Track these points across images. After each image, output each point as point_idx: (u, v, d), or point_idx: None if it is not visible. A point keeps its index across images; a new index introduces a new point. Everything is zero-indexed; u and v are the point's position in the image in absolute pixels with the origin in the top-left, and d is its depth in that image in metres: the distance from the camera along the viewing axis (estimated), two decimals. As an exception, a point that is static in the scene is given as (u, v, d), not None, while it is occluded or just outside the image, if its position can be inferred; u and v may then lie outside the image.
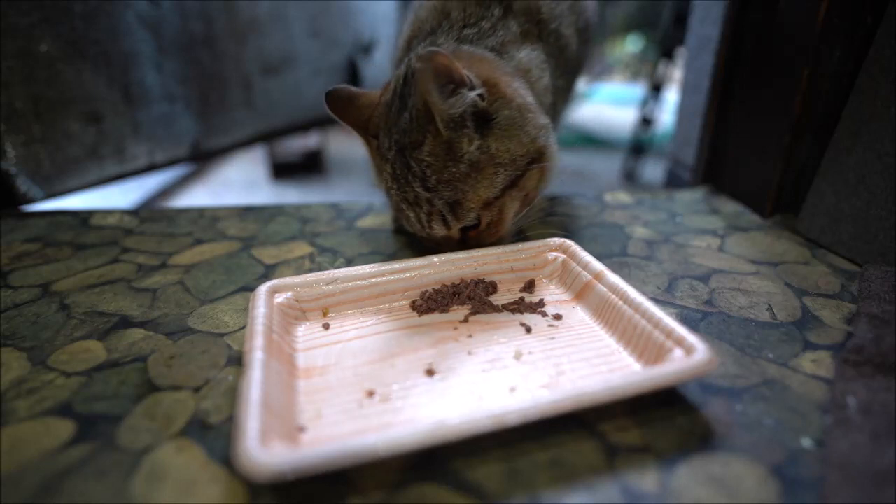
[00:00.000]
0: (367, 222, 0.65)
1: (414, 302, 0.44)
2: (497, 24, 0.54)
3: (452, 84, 0.42)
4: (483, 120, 0.45)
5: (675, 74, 2.07)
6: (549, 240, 0.49)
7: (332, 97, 0.48)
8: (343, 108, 0.49)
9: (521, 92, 0.48)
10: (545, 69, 0.56)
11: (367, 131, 0.49)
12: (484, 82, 0.45)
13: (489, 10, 0.54)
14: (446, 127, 0.43)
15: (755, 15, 0.68)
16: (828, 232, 0.56)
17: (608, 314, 0.40)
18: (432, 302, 0.44)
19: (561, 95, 0.63)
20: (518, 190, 0.47)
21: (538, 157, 0.47)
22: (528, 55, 0.54)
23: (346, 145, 2.48)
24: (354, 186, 1.96)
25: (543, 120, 0.48)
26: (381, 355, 0.38)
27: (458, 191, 0.44)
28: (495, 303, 0.44)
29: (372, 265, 0.45)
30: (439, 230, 0.46)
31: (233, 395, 0.35)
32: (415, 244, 0.58)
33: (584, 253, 0.46)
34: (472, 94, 0.43)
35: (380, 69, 1.41)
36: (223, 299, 0.48)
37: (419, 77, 0.41)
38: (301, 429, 0.31)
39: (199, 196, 1.87)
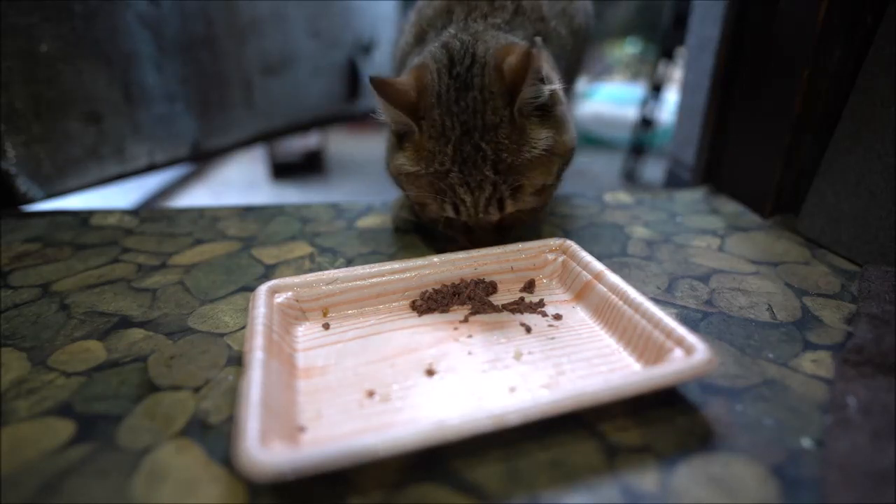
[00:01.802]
0: (367, 222, 0.65)
1: (414, 302, 0.44)
2: (514, 21, 0.54)
3: (538, 76, 0.44)
4: (544, 112, 0.47)
5: (675, 74, 2.07)
6: (549, 240, 0.49)
7: (377, 82, 0.45)
8: (390, 91, 0.46)
9: (561, 90, 0.51)
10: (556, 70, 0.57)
11: (415, 113, 0.46)
12: (548, 77, 0.46)
13: (503, 7, 0.54)
14: (521, 114, 0.45)
15: (755, 15, 0.68)
16: (828, 232, 0.56)
17: (608, 314, 0.40)
18: (432, 302, 0.44)
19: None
20: (558, 179, 0.50)
21: (573, 154, 0.51)
22: (548, 56, 0.55)
23: (346, 145, 2.48)
24: (354, 186, 1.96)
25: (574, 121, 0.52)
26: (381, 355, 0.38)
27: (523, 175, 0.46)
28: (495, 303, 0.44)
29: (372, 265, 0.45)
30: (494, 215, 0.47)
31: (233, 395, 0.35)
32: (415, 244, 0.58)
33: (584, 253, 0.46)
34: (547, 88, 0.45)
35: (380, 69, 1.41)
36: (223, 299, 0.48)
37: (527, 64, 0.43)
38: (301, 429, 0.31)
39: (199, 196, 1.87)
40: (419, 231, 0.61)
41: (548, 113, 0.47)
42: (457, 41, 0.48)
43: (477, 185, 0.45)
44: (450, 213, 0.47)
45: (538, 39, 0.44)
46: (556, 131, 0.47)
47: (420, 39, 0.57)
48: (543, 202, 0.50)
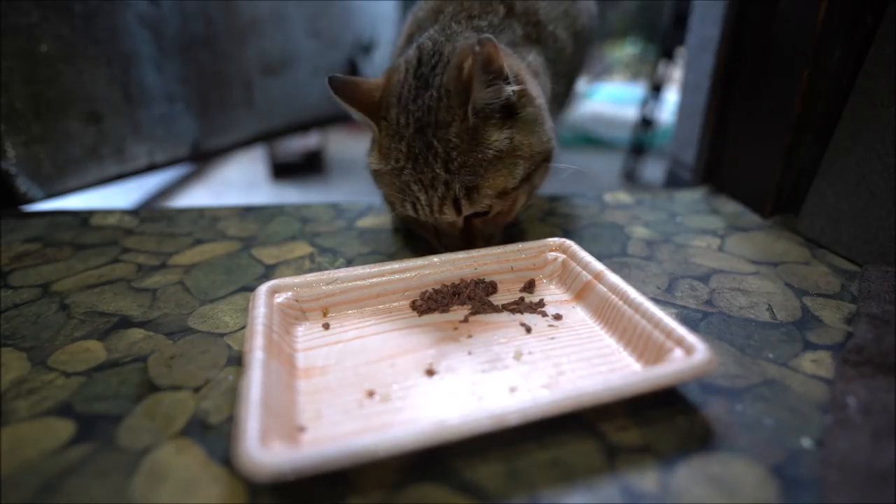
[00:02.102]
0: (367, 222, 0.65)
1: (414, 302, 0.44)
2: (503, 24, 0.54)
3: (493, 75, 0.42)
4: (509, 113, 0.46)
5: (675, 74, 2.07)
6: (549, 240, 0.49)
7: (337, 83, 0.47)
8: (349, 91, 0.47)
9: (538, 92, 0.50)
10: (548, 73, 0.57)
11: (376, 113, 0.48)
12: (515, 78, 0.45)
13: (493, 10, 0.54)
14: (475, 114, 0.44)
15: (755, 15, 0.68)
16: (828, 232, 0.56)
17: (608, 314, 0.40)
18: (432, 302, 0.44)
19: (556, 101, 0.63)
20: (529, 184, 0.48)
21: (548, 157, 0.49)
22: (536, 58, 0.55)
23: (346, 145, 2.48)
24: (354, 186, 1.96)
25: (551, 123, 0.50)
26: (381, 355, 0.38)
27: (478, 176, 0.44)
28: (495, 303, 0.44)
29: (372, 265, 0.45)
30: (450, 215, 0.46)
31: (233, 395, 0.35)
32: (414, 244, 0.58)
33: (584, 253, 0.46)
34: (509, 89, 0.44)
35: (380, 69, 1.41)
36: (223, 299, 0.48)
37: (473, 61, 0.41)
38: (301, 429, 0.31)
39: (199, 196, 1.87)
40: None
41: (514, 114, 0.46)
42: (429, 42, 0.48)
43: (429, 182, 0.44)
44: (409, 211, 0.47)
45: (486, 36, 0.40)
46: (522, 133, 0.46)
47: (409, 41, 0.57)
48: (510, 207, 0.49)
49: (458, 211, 0.46)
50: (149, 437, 0.32)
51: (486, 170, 0.45)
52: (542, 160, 0.48)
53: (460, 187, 0.44)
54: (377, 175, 0.49)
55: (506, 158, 0.45)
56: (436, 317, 0.42)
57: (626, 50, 4.14)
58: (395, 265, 0.45)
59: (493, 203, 0.46)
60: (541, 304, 0.44)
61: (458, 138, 0.44)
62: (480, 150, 0.44)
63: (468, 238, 0.49)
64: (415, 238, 0.60)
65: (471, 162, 0.44)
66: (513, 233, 0.61)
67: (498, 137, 0.45)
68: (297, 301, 0.42)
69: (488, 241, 0.50)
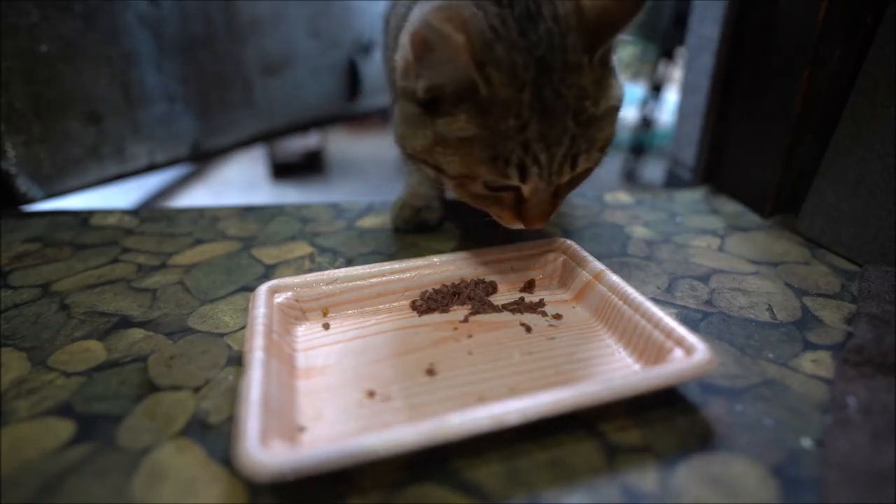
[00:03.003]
0: (367, 222, 0.65)
1: (414, 302, 0.44)
2: None
3: (627, 21, 0.37)
4: (608, 59, 0.41)
5: (675, 74, 2.07)
6: (549, 240, 0.49)
7: (422, 38, 0.36)
8: (441, 42, 0.36)
9: None
10: None
11: (475, 62, 0.36)
12: None
13: None
14: (601, 62, 0.39)
15: (755, 15, 0.68)
16: (828, 232, 0.56)
17: (608, 314, 0.40)
18: (432, 302, 0.44)
19: None
20: None
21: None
22: None
23: (346, 145, 2.48)
24: (354, 186, 1.96)
25: None
26: (381, 355, 0.38)
27: (598, 131, 0.39)
28: (495, 303, 0.44)
29: (372, 265, 0.45)
30: (565, 175, 0.40)
31: (233, 395, 0.35)
32: (415, 244, 0.58)
33: (585, 253, 0.46)
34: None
35: (380, 69, 1.41)
36: (223, 299, 0.48)
37: (632, 7, 0.36)
38: (301, 429, 0.31)
39: (199, 196, 1.87)
40: (419, 231, 0.61)
41: (609, 63, 0.41)
42: None
43: (556, 138, 0.37)
44: (513, 178, 0.39)
45: None
46: (620, 87, 0.42)
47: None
48: (600, 160, 0.44)
49: (574, 168, 0.40)
50: (149, 437, 0.32)
51: (606, 122, 0.40)
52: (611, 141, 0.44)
53: (584, 142, 0.39)
54: (456, 146, 0.39)
55: (612, 114, 0.41)
56: (436, 317, 0.42)
57: (626, 50, 4.14)
58: (395, 265, 0.45)
59: (596, 155, 0.41)
60: (541, 304, 0.44)
61: (591, 85, 0.38)
62: (604, 101, 0.39)
63: (555, 203, 0.43)
64: (415, 238, 0.60)
65: (598, 114, 0.39)
66: (513, 233, 0.61)
67: (615, 86, 0.40)
68: (297, 301, 0.42)
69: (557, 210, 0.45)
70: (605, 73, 0.39)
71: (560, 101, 0.37)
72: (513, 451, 0.30)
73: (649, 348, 0.36)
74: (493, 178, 0.40)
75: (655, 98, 2.14)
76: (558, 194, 0.43)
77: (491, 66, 0.36)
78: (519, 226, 0.44)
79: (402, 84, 0.42)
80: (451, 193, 0.68)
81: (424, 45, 0.36)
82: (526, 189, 0.41)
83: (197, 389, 0.36)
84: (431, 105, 0.40)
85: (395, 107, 0.49)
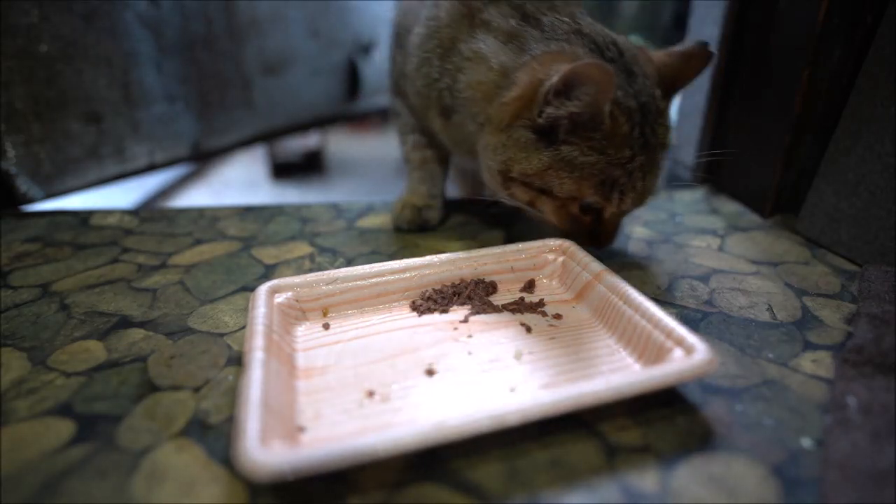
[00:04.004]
0: (367, 222, 0.65)
1: (414, 302, 0.44)
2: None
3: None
4: None
5: (675, 74, 2.06)
6: (549, 240, 0.49)
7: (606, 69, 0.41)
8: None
9: None
10: None
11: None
12: None
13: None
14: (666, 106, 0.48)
15: (755, 15, 0.68)
16: (828, 232, 0.56)
17: (608, 314, 0.40)
18: (432, 302, 0.43)
19: None
20: None
21: None
22: None
23: (346, 145, 2.48)
24: (354, 186, 1.96)
25: None
26: (381, 355, 0.38)
27: (661, 167, 0.48)
28: (495, 303, 0.44)
29: (372, 265, 0.45)
30: (645, 201, 0.49)
31: (233, 395, 0.35)
32: (415, 244, 0.58)
33: (584, 253, 0.46)
34: None
35: (380, 69, 1.41)
36: (223, 299, 0.48)
37: (699, 65, 0.48)
38: (301, 429, 0.31)
39: (199, 196, 1.87)
40: (420, 231, 0.61)
41: None
42: (588, 30, 0.47)
43: (650, 169, 0.46)
44: (613, 201, 0.46)
45: (705, 42, 0.48)
46: None
47: (471, 21, 0.50)
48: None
49: (649, 197, 0.48)
50: (149, 437, 0.32)
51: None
52: None
53: (662, 169, 0.47)
54: (572, 170, 0.44)
55: None
56: (436, 317, 0.42)
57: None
58: (395, 265, 0.45)
59: None
60: (541, 304, 0.44)
61: (670, 124, 0.47)
62: (669, 142, 0.48)
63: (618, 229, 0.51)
64: (415, 238, 0.60)
65: (669, 147, 0.47)
66: (513, 233, 0.61)
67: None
68: (297, 301, 0.42)
69: None
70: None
71: (655, 138, 0.45)
72: (513, 451, 0.30)
73: (649, 348, 0.36)
74: (595, 199, 0.46)
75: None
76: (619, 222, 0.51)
77: (615, 106, 0.43)
78: (588, 245, 0.49)
79: (513, 112, 0.46)
80: (452, 193, 0.68)
81: (573, 81, 0.41)
82: (609, 211, 0.47)
83: (197, 389, 0.36)
84: (547, 133, 0.45)
85: (440, 121, 0.56)
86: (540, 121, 0.44)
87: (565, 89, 0.42)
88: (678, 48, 0.50)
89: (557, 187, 0.46)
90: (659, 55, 0.49)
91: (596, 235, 0.49)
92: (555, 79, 0.42)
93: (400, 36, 0.61)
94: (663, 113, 0.46)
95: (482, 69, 0.48)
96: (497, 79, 0.47)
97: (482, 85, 0.48)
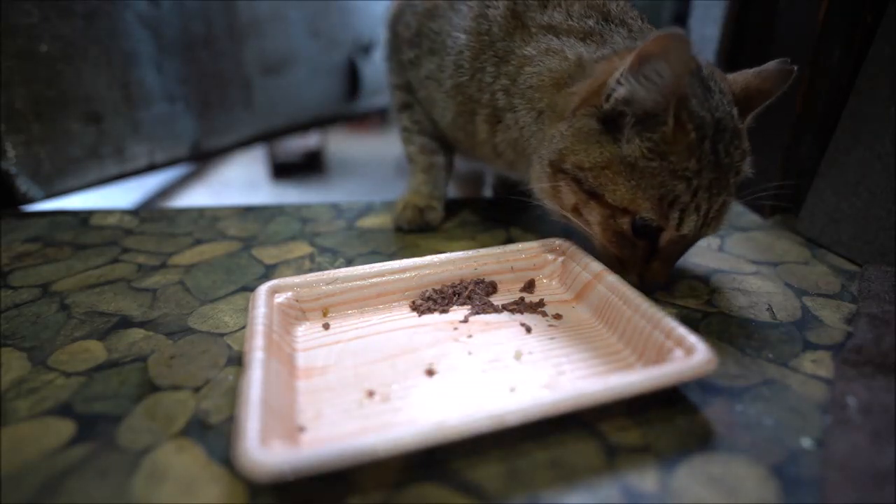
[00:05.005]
0: (367, 222, 0.65)
1: (414, 302, 0.44)
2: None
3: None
4: None
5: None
6: (549, 240, 0.49)
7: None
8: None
9: None
10: None
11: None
12: None
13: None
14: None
15: (755, 15, 0.68)
16: (828, 232, 0.56)
17: (608, 314, 0.40)
18: (432, 302, 0.43)
19: None
20: None
21: None
22: None
23: (346, 145, 2.48)
24: (354, 186, 1.96)
25: None
26: (381, 355, 0.38)
27: (733, 195, 0.43)
28: (495, 303, 0.44)
29: (372, 265, 0.45)
30: (709, 230, 0.43)
31: (233, 395, 0.35)
32: (415, 244, 0.58)
33: (584, 253, 0.46)
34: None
35: (380, 69, 1.41)
36: (223, 299, 0.48)
37: (776, 86, 0.44)
38: (301, 429, 0.31)
39: (199, 196, 1.87)
40: (421, 231, 0.61)
41: None
42: None
43: (718, 192, 0.41)
44: (672, 221, 0.41)
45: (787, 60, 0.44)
46: None
47: (525, 30, 0.49)
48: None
49: (713, 228, 0.43)
50: (149, 437, 0.32)
51: (735, 190, 0.44)
52: None
53: (727, 202, 0.42)
54: (628, 171, 0.41)
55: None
56: (436, 317, 0.42)
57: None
58: (395, 265, 0.45)
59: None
60: (541, 304, 0.44)
61: (747, 149, 0.42)
62: (745, 170, 0.44)
63: (673, 265, 0.45)
64: (415, 238, 0.60)
65: (743, 175, 0.43)
66: (513, 233, 0.61)
67: (748, 167, 0.44)
68: (297, 301, 0.42)
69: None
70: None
71: (728, 158, 0.41)
72: (513, 451, 0.30)
73: (649, 348, 0.36)
74: (651, 216, 0.41)
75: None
76: (677, 256, 0.45)
77: (684, 110, 0.39)
78: (635, 282, 0.43)
79: (582, 99, 0.43)
80: (451, 193, 0.68)
81: (649, 54, 0.38)
82: (665, 237, 0.42)
83: (197, 389, 0.36)
84: (612, 124, 0.42)
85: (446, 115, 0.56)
86: (606, 106, 0.41)
87: (639, 66, 0.38)
88: (755, 70, 0.46)
89: (610, 192, 0.41)
90: (734, 75, 0.46)
91: (648, 267, 0.44)
92: (631, 57, 0.39)
93: (432, 41, 0.57)
94: (741, 135, 0.42)
95: (556, 59, 0.46)
96: (571, 69, 0.45)
97: (553, 73, 0.46)
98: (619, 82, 0.40)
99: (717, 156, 0.40)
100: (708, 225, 0.42)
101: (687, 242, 0.44)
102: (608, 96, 0.41)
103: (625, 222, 0.42)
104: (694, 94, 0.40)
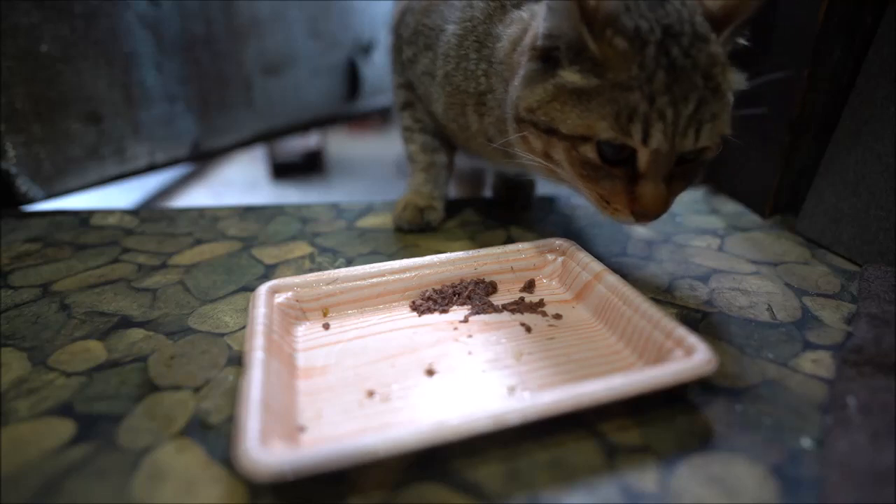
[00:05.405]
0: (367, 222, 0.65)
1: (414, 302, 0.44)
2: None
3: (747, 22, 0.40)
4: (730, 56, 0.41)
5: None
6: (549, 240, 0.49)
7: None
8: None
9: None
10: None
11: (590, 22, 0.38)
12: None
13: None
14: (722, 44, 0.40)
15: (755, 15, 0.68)
16: (828, 232, 0.56)
17: (608, 314, 0.40)
18: (432, 302, 0.44)
19: None
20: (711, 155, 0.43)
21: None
22: None
23: (346, 145, 2.48)
24: (354, 186, 1.96)
25: None
26: (381, 355, 0.38)
27: (721, 109, 0.39)
28: (495, 303, 0.44)
29: (372, 265, 0.45)
30: (688, 142, 0.38)
31: (233, 395, 0.35)
32: (415, 244, 0.58)
33: (584, 253, 0.46)
34: (741, 43, 0.41)
35: (380, 69, 1.41)
36: (223, 299, 0.48)
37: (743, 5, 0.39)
38: (301, 429, 0.31)
39: (199, 196, 1.87)
40: (421, 231, 0.61)
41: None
42: None
43: (683, 94, 0.37)
44: (635, 136, 0.38)
45: None
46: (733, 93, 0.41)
47: (503, 10, 0.50)
48: (713, 157, 0.42)
49: (697, 139, 0.38)
50: (149, 437, 0.32)
51: (724, 104, 0.39)
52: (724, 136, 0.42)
53: (709, 112, 0.38)
54: (573, 99, 0.40)
55: (729, 106, 0.40)
56: (436, 317, 0.42)
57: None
58: (395, 265, 0.45)
59: (713, 145, 0.40)
60: (541, 304, 0.44)
61: (718, 55, 0.39)
62: (727, 82, 0.39)
63: (671, 191, 0.41)
64: (415, 238, 0.60)
65: (723, 87, 0.39)
66: (514, 233, 0.61)
67: (736, 79, 0.41)
68: (297, 301, 0.42)
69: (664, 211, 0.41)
70: (726, 62, 0.40)
71: (689, 59, 0.37)
72: (513, 451, 0.30)
73: (649, 348, 0.36)
74: (612, 135, 0.38)
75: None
76: (672, 187, 0.41)
77: (610, 28, 0.37)
78: (630, 219, 0.41)
79: (529, 46, 0.44)
80: (451, 193, 0.68)
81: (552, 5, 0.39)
82: (644, 157, 0.39)
83: (197, 389, 0.36)
84: (549, 62, 0.41)
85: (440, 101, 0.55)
86: (538, 45, 0.41)
87: (548, 12, 0.39)
88: None
89: (563, 122, 0.40)
90: None
91: (635, 198, 0.40)
92: None
93: (426, 36, 0.58)
94: (706, 39, 0.38)
95: (515, 27, 0.47)
96: (521, 32, 0.46)
97: (512, 40, 0.47)
98: (543, 20, 0.41)
99: (670, 58, 0.37)
100: (685, 134, 0.38)
101: (677, 163, 0.40)
102: (539, 36, 0.41)
103: (587, 149, 0.40)
104: (627, 8, 0.38)
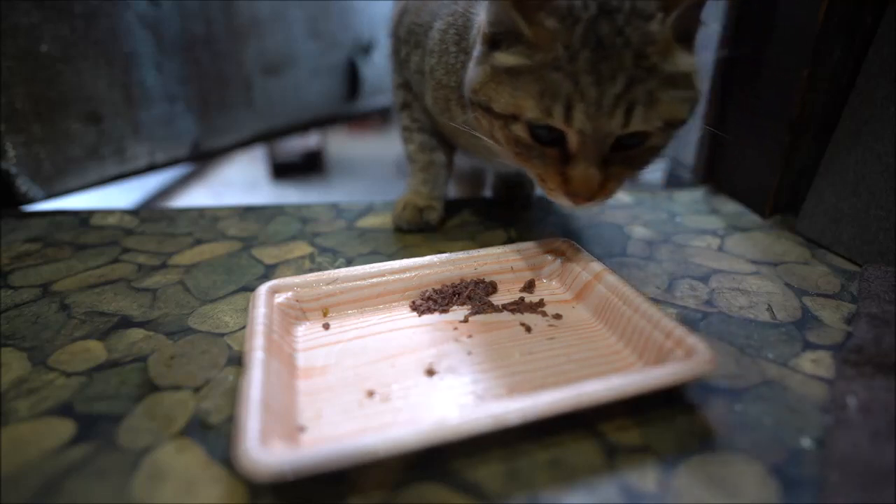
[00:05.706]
0: (367, 222, 0.65)
1: (414, 302, 0.44)
2: None
3: (701, 7, 0.38)
4: (687, 39, 0.39)
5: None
6: (549, 240, 0.49)
7: None
8: None
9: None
10: None
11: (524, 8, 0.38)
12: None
13: None
14: (677, 31, 0.37)
15: (755, 15, 0.68)
16: (828, 232, 0.56)
17: (608, 314, 0.40)
18: (432, 302, 0.44)
19: None
20: (666, 139, 0.41)
21: (682, 124, 0.41)
22: None
23: (346, 145, 2.48)
24: (354, 186, 1.96)
25: None
26: (381, 355, 0.38)
27: (661, 91, 0.37)
28: (495, 303, 0.44)
29: (372, 265, 0.45)
30: (615, 124, 0.37)
31: (233, 395, 0.35)
32: (415, 244, 0.58)
33: (584, 253, 0.46)
34: (700, 24, 0.39)
35: (380, 70, 1.41)
36: (223, 299, 0.48)
37: None
38: (301, 429, 0.31)
39: (199, 196, 1.87)
40: (421, 231, 0.61)
41: (690, 41, 0.40)
42: None
43: (609, 73, 0.35)
44: (557, 117, 0.37)
45: None
46: (695, 76, 0.40)
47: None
48: (652, 152, 0.41)
49: (627, 122, 0.37)
50: (149, 437, 0.32)
51: (669, 88, 0.37)
52: (680, 123, 0.40)
53: (643, 91, 0.36)
54: (508, 76, 0.40)
55: (682, 87, 0.38)
56: (436, 317, 0.42)
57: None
58: (395, 265, 0.45)
59: (656, 131, 0.39)
60: (541, 304, 0.44)
61: (657, 35, 0.36)
62: (671, 63, 0.37)
63: (605, 181, 0.40)
64: (415, 238, 0.60)
65: (662, 68, 0.36)
66: (514, 233, 0.61)
67: (686, 61, 0.38)
68: (297, 301, 0.42)
69: (611, 194, 0.41)
70: (677, 43, 0.38)
71: (620, 37, 0.35)
72: (513, 451, 0.30)
73: (649, 348, 0.36)
74: (536, 115, 0.38)
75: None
76: (610, 172, 0.40)
77: (542, 11, 0.37)
78: (565, 200, 0.41)
79: (479, 32, 0.44)
80: (451, 193, 0.68)
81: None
82: (573, 138, 0.38)
83: (197, 389, 0.36)
84: (494, 46, 0.41)
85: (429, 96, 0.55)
86: (486, 31, 0.41)
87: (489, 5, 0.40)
88: None
89: (496, 101, 0.40)
90: None
91: (567, 179, 0.40)
92: None
93: (417, 34, 0.59)
94: (644, 15, 0.36)
95: (483, 17, 0.46)
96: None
97: (478, 27, 0.46)
98: (486, 9, 0.41)
99: (598, 36, 0.35)
100: (612, 115, 0.36)
101: (617, 148, 0.39)
102: (485, 23, 0.41)
103: (518, 129, 0.40)
104: None
